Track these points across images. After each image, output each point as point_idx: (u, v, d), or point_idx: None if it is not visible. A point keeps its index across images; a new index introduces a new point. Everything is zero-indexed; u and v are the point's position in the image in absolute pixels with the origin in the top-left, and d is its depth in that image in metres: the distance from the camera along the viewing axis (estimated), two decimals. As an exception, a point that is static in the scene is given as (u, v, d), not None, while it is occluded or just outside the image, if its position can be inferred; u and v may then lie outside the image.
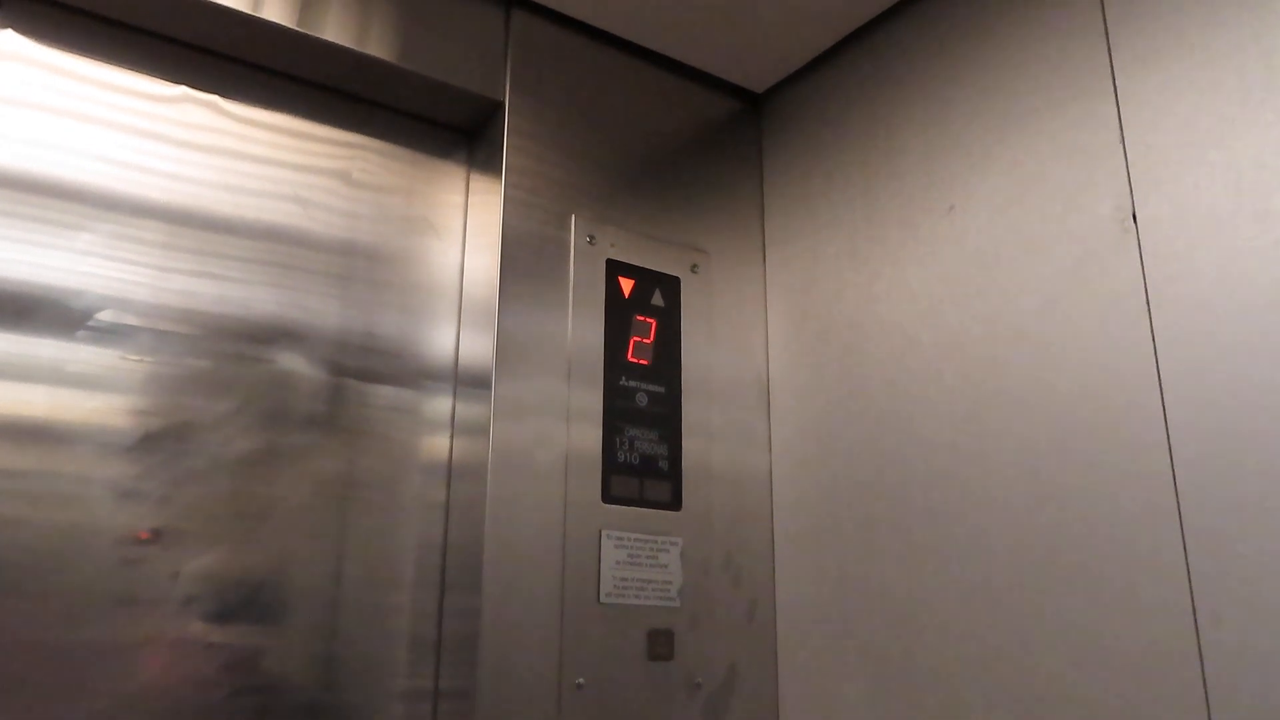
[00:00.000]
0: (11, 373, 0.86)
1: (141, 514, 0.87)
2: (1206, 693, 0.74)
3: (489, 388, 1.00)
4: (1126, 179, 0.86)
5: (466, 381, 1.07)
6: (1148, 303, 0.83)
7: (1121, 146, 0.87)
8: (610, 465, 1.05)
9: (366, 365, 1.04)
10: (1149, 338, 0.82)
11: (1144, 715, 0.78)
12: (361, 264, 1.07)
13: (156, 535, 0.88)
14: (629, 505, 1.05)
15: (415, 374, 1.07)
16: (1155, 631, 0.78)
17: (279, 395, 0.98)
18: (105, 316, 0.90)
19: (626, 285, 1.11)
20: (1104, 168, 0.88)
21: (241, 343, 0.97)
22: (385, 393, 1.05)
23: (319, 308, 1.02)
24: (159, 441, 0.90)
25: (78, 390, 0.88)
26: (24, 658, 0.80)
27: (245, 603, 0.92)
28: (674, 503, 1.08)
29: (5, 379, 0.85)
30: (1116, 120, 0.88)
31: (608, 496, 1.04)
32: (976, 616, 0.92)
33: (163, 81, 1.00)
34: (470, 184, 1.16)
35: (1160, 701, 0.77)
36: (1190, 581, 0.77)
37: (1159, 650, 0.78)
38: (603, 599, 1.01)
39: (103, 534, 0.86)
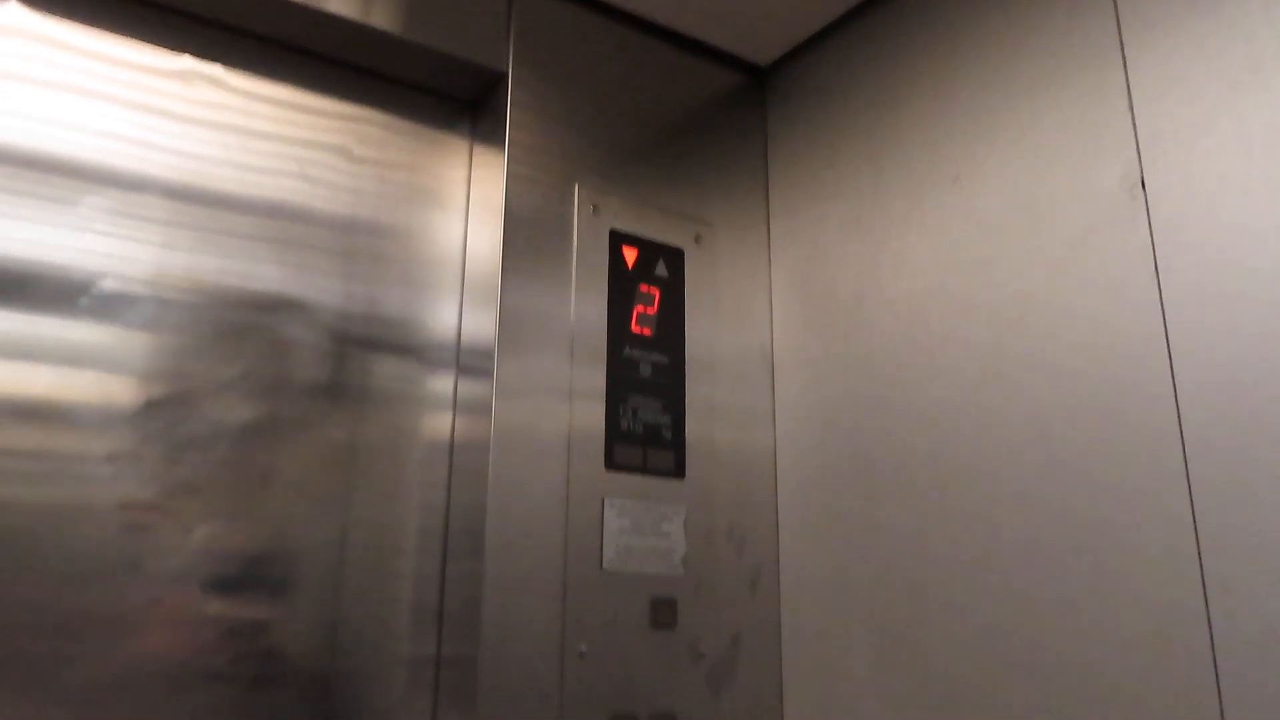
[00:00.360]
0: (13, 348, 0.85)
1: (144, 481, 0.87)
2: (1215, 655, 0.75)
3: (491, 359, 1.00)
4: (1135, 147, 0.86)
5: (469, 352, 1.07)
6: (1156, 270, 0.83)
7: (1130, 114, 0.87)
8: (614, 434, 1.05)
9: (369, 335, 1.04)
10: (1158, 305, 0.82)
11: (1152, 682, 0.78)
12: (363, 239, 1.06)
13: (159, 505, 0.88)
14: (632, 473, 1.05)
15: (418, 347, 1.07)
16: (1162, 595, 0.78)
17: (281, 364, 0.98)
18: (107, 286, 0.90)
19: (630, 255, 1.11)
20: (1112, 136, 0.88)
21: (243, 311, 0.96)
22: (388, 362, 1.05)
23: (321, 283, 1.02)
24: (161, 409, 0.90)
25: (79, 360, 0.87)
26: (28, 629, 0.80)
27: (247, 570, 0.92)
28: (677, 471, 1.08)
29: (6, 355, 0.85)
30: (1125, 88, 0.88)
31: (611, 464, 1.04)
32: (982, 586, 0.92)
33: (166, 53, 0.99)
34: (473, 156, 1.16)
35: (1167, 665, 0.77)
36: (1199, 545, 0.77)
37: (1166, 614, 0.78)
38: (605, 566, 1.01)
39: (105, 501, 0.86)
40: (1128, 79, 0.88)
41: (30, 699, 0.80)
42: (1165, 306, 0.82)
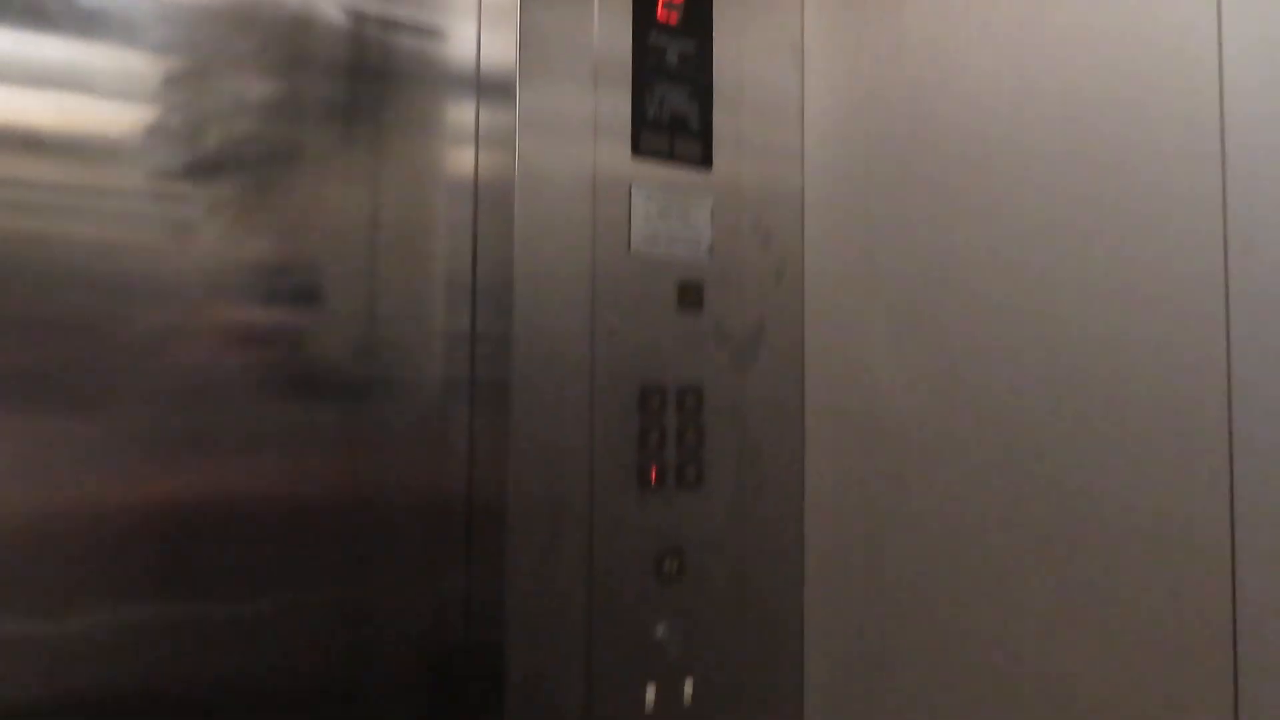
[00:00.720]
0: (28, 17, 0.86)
1: (172, 152, 0.90)
2: (1228, 318, 0.76)
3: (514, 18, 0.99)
4: None
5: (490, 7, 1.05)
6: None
7: None
8: (640, 121, 1.05)
9: (387, 12, 1.02)
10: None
11: (1164, 351, 0.80)
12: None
13: (187, 179, 0.91)
14: (659, 161, 1.06)
15: (434, 30, 1.05)
16: (1183, 268, 0.79)
17: (298, 41, 0.97)
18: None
19: (655, -69, 1.06)
20: None
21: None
22: (406, 42, 1.03)
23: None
24: (180, 83, 0.91)
25: (94, 29, 0.88)
26: (54, 334, 0.86)
27: (277, 242, 0.96)
28: (704, 160, 1.08)
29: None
30: None
31: (638, 151, 1.04)
32: (1005, 271, 0.93)
33: None
34: None
35: (1180, 334, 0.79)
36: (1225, 224, 0.76)
37: (1186, 284, 0.79)
38: (633, 249, 1.04)
39: (133, 176, 0.89)
40: None
41: (73, 412, 0.86)
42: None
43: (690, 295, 1.07)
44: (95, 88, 0.87)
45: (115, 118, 0.88)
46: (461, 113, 1.05)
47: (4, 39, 0.84)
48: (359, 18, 1.00)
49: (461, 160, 1.04)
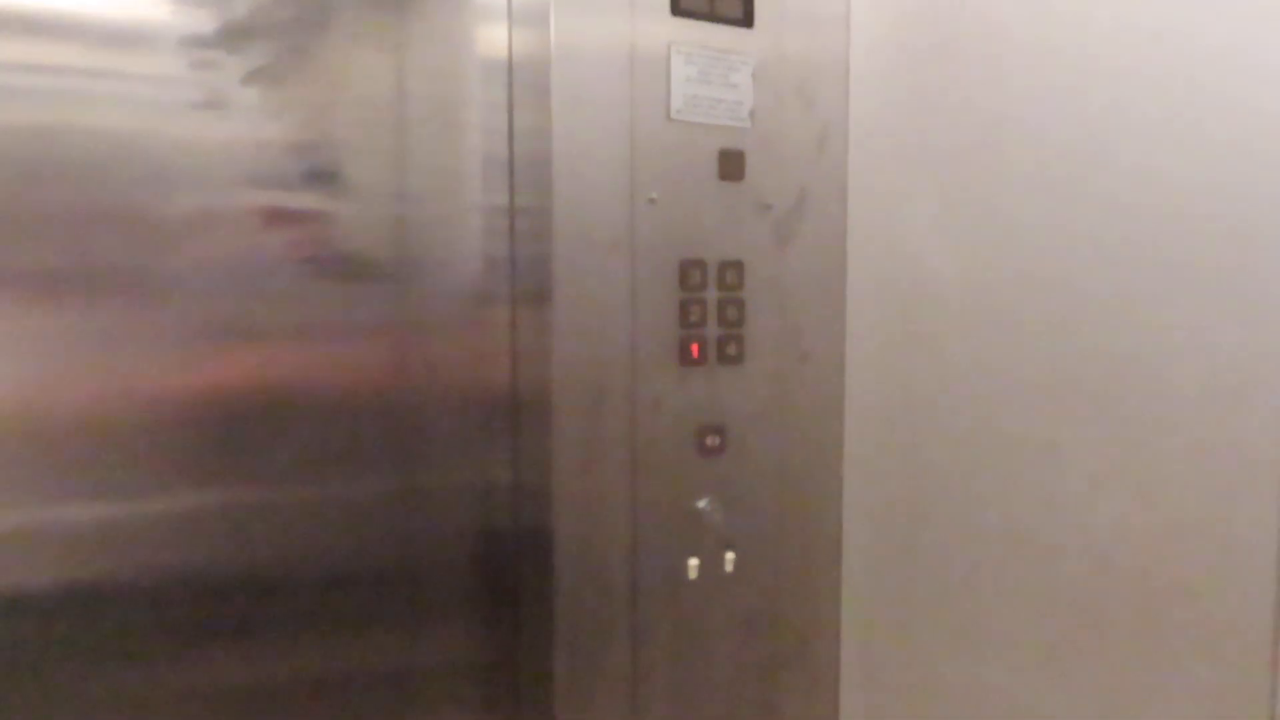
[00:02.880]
0: None
1: (201, 16, 0.85)
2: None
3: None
4: None
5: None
6: None
7: None
8: (678, -25, 0.98)
9: None
10: None
11: (1246, 230, 0.77)
12: None
13: (220, 43, 0.86)
14: (699, 20, 1.00)
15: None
16: (1258, 146, 0.75)
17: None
18: None
19: None
20: None
21: None
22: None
23: None
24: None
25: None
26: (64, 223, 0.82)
27: (310, 116, 0.91)
28: (746, 20, 1.02)
29: None
30: None
31: (676, 9, 0.98)
32: (1061, 135, 0.89)
33: None
34: None
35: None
36: None
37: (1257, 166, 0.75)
38: (673, 116, 0.99)
39: (166, 37, 0.84)
40: None
41: (118, 302, 0.84)
42: None
43: (731, 164, 1.03)
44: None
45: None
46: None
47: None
48: None
49: (495, 27, 0.99)
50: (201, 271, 0.87)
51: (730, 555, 1.06)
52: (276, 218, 0.90)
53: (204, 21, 0.85)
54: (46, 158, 0.80)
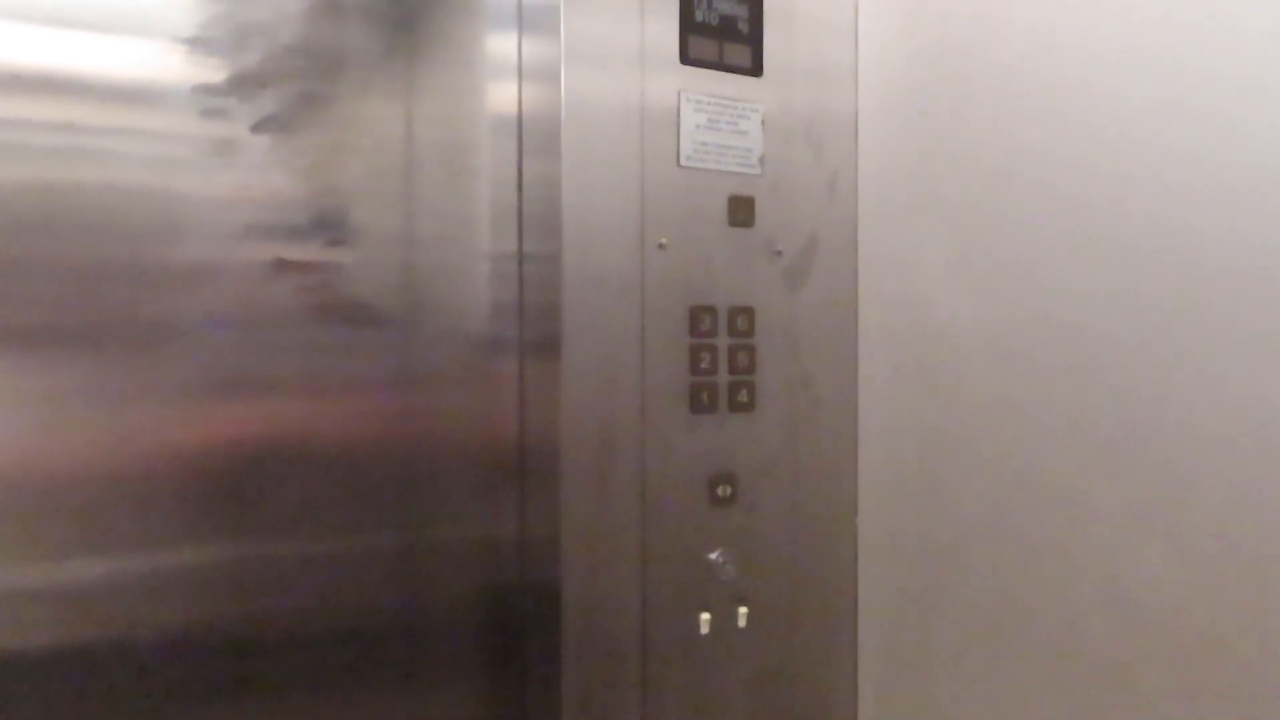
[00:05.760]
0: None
1: (213, 65, 0.85)
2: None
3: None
4: None
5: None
6: None
7: None
8: (688, 26, 0.99)
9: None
10: None
11: (1260, 267, 0.75)
12: None
13: (233, 90, 0.86)
14: (708, 68, 1.00)
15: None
16: (1270, 166, 0.74)
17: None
18: None
19: None
20: None
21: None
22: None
23: None
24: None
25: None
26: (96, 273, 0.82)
27: (320, 163, 0.91)
28: (754, 68, 1.03)
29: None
30: None
31: (686, 59, 0.99)
32: (1073, 177, 0.88)
33: None
34: None
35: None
36: None
37: (1270, 173, 0.74)
38: (682, 162, 0.99)
39: (180, 85, 0.84)
40: None
41: (128, 354, 0.84)
42: None
43: (741, 210, 1.02)
44: (135, 8, 0.82)
45: (156, 35, 0.83)
46: (505, 37, 0.99)
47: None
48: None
49: (505, 79, 0.99)
50: (209, 321, 0.86)
51: (743, 610, 1.03)
52: (285, 267, 0.89)
53: (215, 71, 0.85)
54: (58, 210, 0.80)
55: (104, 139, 0.82)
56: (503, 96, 1.00)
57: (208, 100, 0.85)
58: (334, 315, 0.91)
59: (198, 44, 0.85)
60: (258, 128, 0.87)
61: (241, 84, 0.86)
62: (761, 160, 1.03)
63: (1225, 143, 0.77)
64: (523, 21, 0.99)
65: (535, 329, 0.98)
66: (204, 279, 0.85)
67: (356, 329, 0.93)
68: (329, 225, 0.91)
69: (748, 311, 1.03)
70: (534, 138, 0.98)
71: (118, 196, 0.82)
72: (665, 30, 0.98)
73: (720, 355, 1.01)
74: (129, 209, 0.82)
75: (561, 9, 0.93)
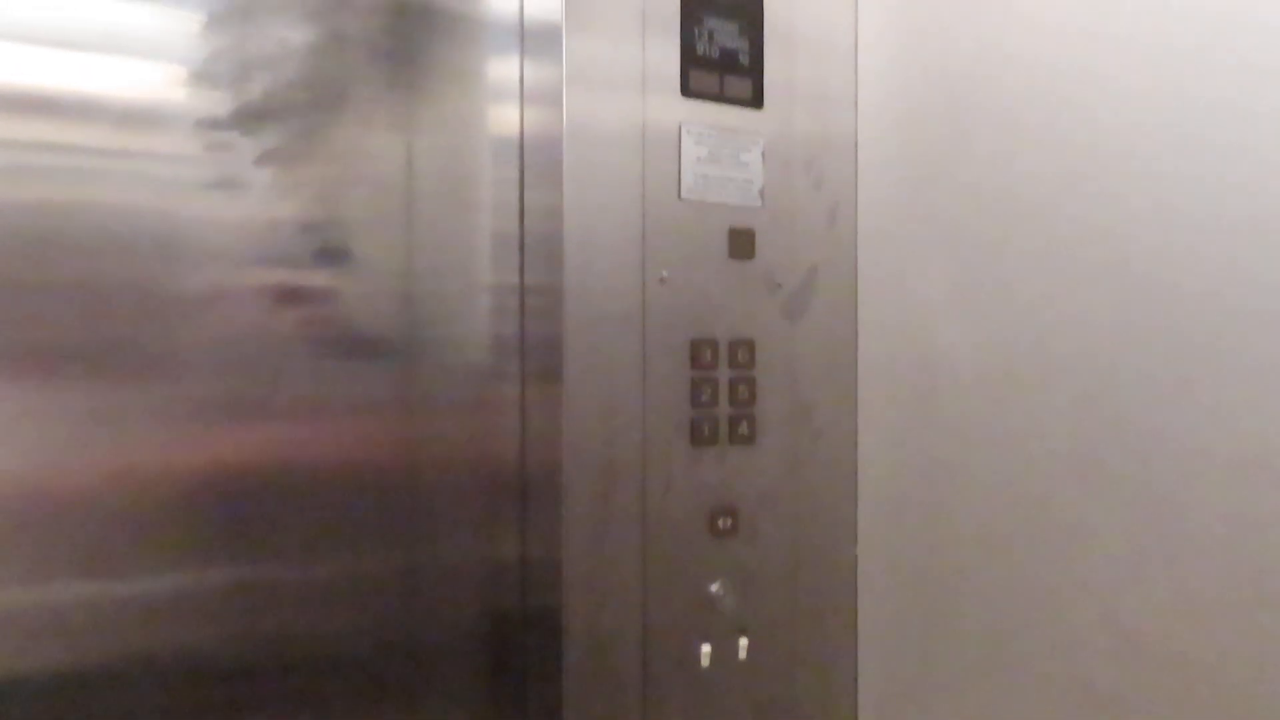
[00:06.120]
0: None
1: (217, 98, 0.85)
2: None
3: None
4: None
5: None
6: None
7: None
8: (689, 58, 0.99)
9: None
10: None
11: (1260, 305, 0.76)
12: None
13: (236, 125, 0.86)
14: (709, 101, 1.00)
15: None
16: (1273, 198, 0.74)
17: (337, -22, 0.92)
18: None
19: None
20: None
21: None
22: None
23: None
24: (226, 24, 0.86)
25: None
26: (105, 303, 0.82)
27: (323, 194, 0.91)
28: (755, 101, 1.03)
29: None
30: None
31: (687, 91, 0.99)
32: (1074, 206, 0.89)
33: None
34: None
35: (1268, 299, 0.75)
36: None
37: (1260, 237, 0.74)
38: (683, 195, 0.99)
39: (182, 118, 0.84)
40: None
41: (127, 379, 0.83)
42: None
43: (741, 242, 1.02)
44: (139, 40, 0.82)
45: (160, 68, 0.83)
46: (506, 62, 1.00)
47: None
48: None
49: (506, 107, 1.00)
50: (210, 348, 0.86)
51: (744, 642, 1.03)
52: (287, 295, 0.89)
53: (220, 103, 0.86)
54: (60, 234, 0.80)
55: (108, 162, 0.82)
56: (504, 122, 1.00)
57: (211, 134, 0.85)
58: (335, 344, 0.91)
59: (201, 78, 0.85)
60: (261, 160, 0.87)
61: (244, 118, 0.87)
62: (762, 192, 1.04)
63: (1229, 173, 0.77)
64: (524, 48, 0.99)
65: (537, 360, 0.98)
66: (203, 305, 0.85)
67: (357, 358, 0.93)
68: (330, 255, 0.91)
69: (748, 344, 1.03)
70: (535, 168, 0.98)
71: (120, 221, 0.82)
72: (666, 61, 0.99)
73: (721, 388, 1.01)
74: (131, 233, 0.82)
75: (564, 35, 0.94)
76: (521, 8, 0.99)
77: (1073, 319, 0.89)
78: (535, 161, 0.98)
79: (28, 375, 0.79)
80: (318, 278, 0.91)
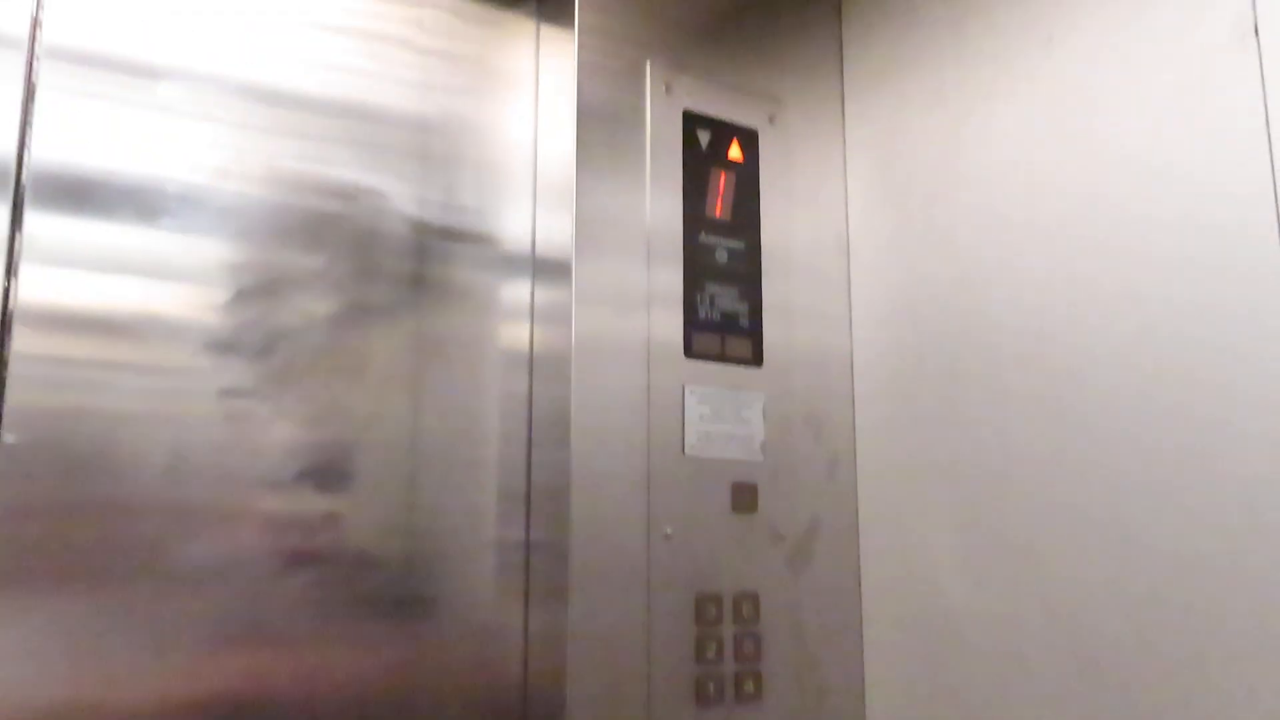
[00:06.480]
0: (103, 260, 0.86)
1: (238, 370, 0.89)
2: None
3: (568, 266, 0.99)
4: (1247, -8, 0.81)
5: (546, 259, 1.06)
6: (1268, 125, 0.78)
7: (1242, -44, 0.81)
8: (692, 322, 1.04)
9: (446, 233, 1.03)
10: (1268, 164, 0.78)
11: (1242, 556, 0.77)
12: (431, 135, 1.04)
13: (257, 392, 0.90)
14: (711, 361, 1.05)
15: (493, 255, 1.06)
16: (1258, 473, 0.76)
17: (365, 253, 0.98)
18: (187, 185, 0.89)
19: (704, 138, 1.08)
20: (1222, -17, 0.82)
21: (323, 199, 0.96)
22: (465, 267, 1.04)
23: (391, 181, 1.01)
24: (252, 298, 0.91)
25: (167, 260, 0.88)
26: (133, 522, 0.84)
27: (335, 460, 0.93)
28: (755, 359, 1.07)
29: (97, 268, 0.86)
30: (1238, -71, 0.82)
31: (690, 353, 1.03)
32: (1071, 465, 0.91)
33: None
34: (540, 40, 1.12)
35: (1258, 544, 0.76)
36: None
37: (1259, 489, 0.76)
38: (688, 452, 1.01)
39: (202, 390, 0.88)
40: (1241, -81, 0.82)
41: (132, 586, 0.84)
42: (1276, 165, 0.78)
43: (744, 497, 1.04)
44: (171, 317, 0.88)
45: (190, 340, 0.88)
46: (518, 286, 1.06)
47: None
48: (423, 229, 1.02)
49: (517, 351, 1.05)
50: (216, 573, 0.86)
51: None
52: (288, 525, 0.90)
53: (242, 375, 0.89)
54: (68, 446, 0.82)
55: (113, 377, 0.85)
56: (514, 382, 1.04)
57: (219, 357, 0.89)
58: (338, 581, 0.91)
59: (228, 347, 0.89)
60: (261, 388, 0.90)
61: (268, 383, 0.90)
62: (763, 447, 1.06)
63: (1220, 439, 0.79)
64: (535, 275, 1.05)
65: (542, 617, 0.97)
66: (215, 530, 0.86)
67: (364, 614, 0.92)
68: (330, 482, 0.93)
69: (753, 598, 1.02)
70: (543, 426, 1.01)
71: (128, 436, 0.84)
72: (670, 323, 1.03)
73: (726, 644, 1.00)
74: (138, 453, 0.84)
75: (574, 264, 0.99)
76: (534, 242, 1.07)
77: (1075, 586, 0.89)
78: (544, 419, 1.01)
79: (23, 591, 0.79)
80: (317, 502, 0.92)
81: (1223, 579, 0.78)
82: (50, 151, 0.85)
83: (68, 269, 0.84)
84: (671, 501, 1.00)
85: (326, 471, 0.92)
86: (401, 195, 1.01)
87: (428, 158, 1.04)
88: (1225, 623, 0.78)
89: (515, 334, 1.06)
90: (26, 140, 0.84)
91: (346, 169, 0.99)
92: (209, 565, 0.86)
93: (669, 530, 0.99)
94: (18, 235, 0.82)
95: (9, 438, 0.78)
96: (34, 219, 0.83)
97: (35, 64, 0.86)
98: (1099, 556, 0.87)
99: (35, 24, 0.86)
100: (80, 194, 0.85)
